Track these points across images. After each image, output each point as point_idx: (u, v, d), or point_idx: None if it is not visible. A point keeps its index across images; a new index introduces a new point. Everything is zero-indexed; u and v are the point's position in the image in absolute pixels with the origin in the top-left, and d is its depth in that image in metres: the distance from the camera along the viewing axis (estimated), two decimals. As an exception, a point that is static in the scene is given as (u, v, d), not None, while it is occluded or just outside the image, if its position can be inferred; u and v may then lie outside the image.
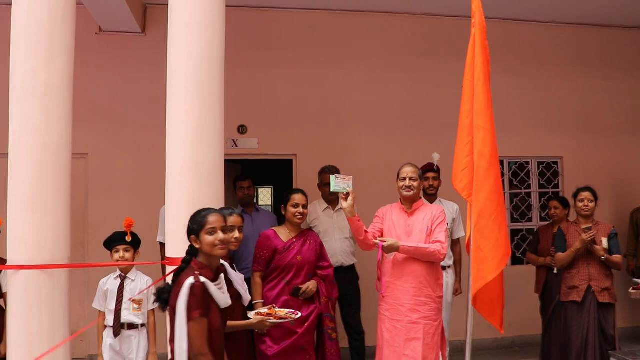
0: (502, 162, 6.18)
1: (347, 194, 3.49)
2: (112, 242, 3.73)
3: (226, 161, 6.16)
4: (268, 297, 3.74)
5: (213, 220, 2.55)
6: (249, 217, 4.98)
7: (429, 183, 4.66)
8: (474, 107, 3.22)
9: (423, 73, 6.18)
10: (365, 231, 3.60)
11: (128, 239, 3.69)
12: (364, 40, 6.14)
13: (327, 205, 4.84)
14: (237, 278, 3.07)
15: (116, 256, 3.70)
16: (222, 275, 2.68)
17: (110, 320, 3.67)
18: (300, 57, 6.01)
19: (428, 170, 4.65)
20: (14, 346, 3.17)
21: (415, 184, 3.70)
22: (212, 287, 2.47)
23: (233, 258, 3.26)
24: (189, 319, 2.34)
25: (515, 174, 6.51)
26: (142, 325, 3.71)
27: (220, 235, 2.52)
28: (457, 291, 4.84)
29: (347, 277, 4.78)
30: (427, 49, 6.23)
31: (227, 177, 6.12)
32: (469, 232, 3.19)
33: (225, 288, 2.66)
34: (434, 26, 6.26)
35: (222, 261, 2.99)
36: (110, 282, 3.73)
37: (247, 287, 3.18)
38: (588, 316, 4.37)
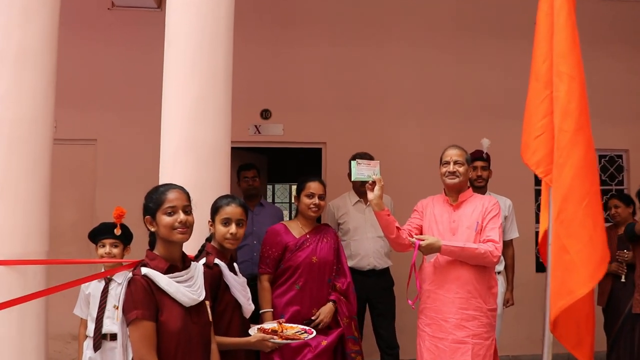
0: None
1: (374, 183, 2.87)
2: (98, 235, 3.18)
3: (248, 150, 5.95)
4: (276, 306, 3.16)
5: (173, 197, 2.07)
6: (249, 213, 4.43)
7: (477, 173, 3.98)
8: (554, 48, 2.29)
9: (471, 52, 5.56)
10: (398, 228, 2.97)
11: (117, 231, 3.12)
12: (403, 14, 5.55)
13: (358, 199, 4.21)
14: (236, 282, 2.49)
15: (101, 251, 3.15)
16: (194, 267, 2.18)
17: (91, 329, 3.11)
18: (330, 34, 5.47)
19: (476, 158, 3.98)
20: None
21: (462, 169, 3.04)
22: (162, 279, 1.99)
23: (234, 258, 2.66)
24: (127, 321, 1.94)
25: None
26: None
27: (181, 215, 2.06)
28: (508, 302, 4.19)
29: (380, 282, 4.16)
30: (475, 25, 5.61)
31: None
32: (544, 225, 2.24)
33: (199, 282, 2.15)
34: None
35: (217, 261, 2.42)
36: (93, 285, 3.17)
37: (249, 293, 2.59)
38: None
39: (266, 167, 6.64)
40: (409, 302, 2.98)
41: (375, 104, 5.44)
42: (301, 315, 3.06)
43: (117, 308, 2.96)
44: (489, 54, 5.52)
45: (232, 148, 5.52)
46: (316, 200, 3.21)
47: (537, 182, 5.60)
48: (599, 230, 2.10)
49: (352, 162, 2.91)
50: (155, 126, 5.03)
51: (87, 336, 3.14)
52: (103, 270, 3.20)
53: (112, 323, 3.07)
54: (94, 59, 5.29)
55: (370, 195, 2.87)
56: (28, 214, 2.77)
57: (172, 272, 2.04)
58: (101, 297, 3.12)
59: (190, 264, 2.18)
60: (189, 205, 2.13)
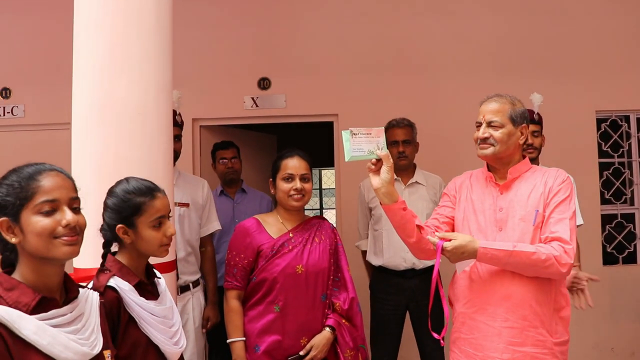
0: (586, 118, 4.58)
1: (379, 162, 1.96)
2: None
3: (248, 128, 5.16)
4: (249, 334, 2.33)
5: (51, 185, 1.32)
6: (229, 202, 3.81)
7: (527, 140, 2.97)
8: None
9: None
10: (420, 227, 2.05)
11: None
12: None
13: (395, 177, 3.18)
14: (146, 312, 1.64)
15: None
16: (83, 299, 1.41)
17: None
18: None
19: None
20: None
21: (498, 133, 2.08)
22: (27, 324, 1.22)
23: (151, 271, 1.79)
24: None
25: (606, 135, 4.65)
26: None
27: (67, 215, 1.31)
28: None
29: (421, 284, 3.26)
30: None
31: (250, 149, 4.81)
32: None
33: (93, 323, 1.39)
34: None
35: (112, 282, 1.61)
36: None
37: (177, 325, 1.77)
38: None
39: (275, 149, 5.76)
40: (435, 335, 2.04)
41: (397, 63, 4.55)
42: (283, 348, 2.23)
43: None
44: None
45: (226, 126, 4.81)
46: (297, 183, 2.36)
47: (602, 153, 4.62)
48: None
49: (343, 133, 1.97)
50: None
51: None
52: None
53: None
54: (59, 36, 4.59)
55: (376, 181, 1.96)
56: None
57: (46, 311, 1.26)
58: None
59: (78, 293, 1.38)
60: (78, 199, 1.35)
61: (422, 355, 3.39)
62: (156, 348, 1.67)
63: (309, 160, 2.46)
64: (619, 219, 4.65)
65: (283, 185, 2.38)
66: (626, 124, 4.65)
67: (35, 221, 1.26)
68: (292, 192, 2.36)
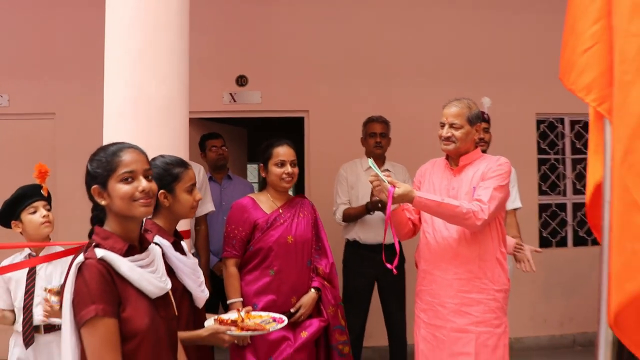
0: (528, 120, 5.13)
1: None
2: (25, 198, 2.55)
3: (223, 122, 5.44)
4: (246, 295, 2.71)
5: (130, 159, 1.60)
6: (217, 187, 4.08)
7: (479, 136, 3.50)
8: None
9: (470, 9, 5.00)
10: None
11: (44, 192, 2.58)
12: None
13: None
14: (183, 264, 2.02)
15: (36, 218, 2.55)
16: (153, 249, 1.71)
17: (19, 322, 2.56)
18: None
19: (477, 119, 3.48)
20: None
21: (459, 133, 2.55)
22: (123, 264, 1.54)
23: (178, 233, 2.18)
24: (80, 320, 1.46)
25: (544, 134, 5.26)
26: None
27: (142, 183, 1.60)
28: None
29: (388, 259, 3.71)
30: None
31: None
32: (597, 176, 1.51)
33: (161, 267, 1.72)
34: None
35: (157, 239, 1.98)
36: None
37: (201, 277, 2.14)
38: None
39: (246, 142, 6.13)
40: (388, 265, 2.51)
41: (364, 66, 4.92)
42: (277, 306, 2.61)
43: (52, 292, 2.45)
44: (489, 11, 4.99)
45: (205, 119, 5.10)
46: (288, 168, 2.75)
47: (540, 150, 5.20)
48: None
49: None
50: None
51: (14, 331, 2.60)
52: (27, 251, 2.62)
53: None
54: (49, 23, 4.78)
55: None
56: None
57: (132, 255, 1.59)
58: (27, 280, 2.57)
59: (149, 244, 1.73)
60: (150, 170, 1.67)
61: (385, 316, 3.88)
62: (189, 295, 2.07)
63: (295, 148, 2.86)
64: (554, 208, 5.26)
65: (276, 170, 2.75)
66: (561, 126, 5.26)
67: (119, 188, 1.57)
68: (284, 176, 2.74)
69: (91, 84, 4.59)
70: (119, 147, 1.63)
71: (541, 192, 5.21)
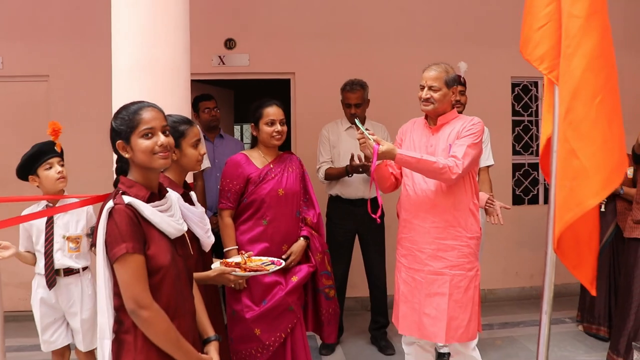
0: (503, 83, 5.34)
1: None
2: (41, 155, 2.78)
3: (211, 83, 5.58)
4: (241, 243, 2.94)
5: (149, 117, 1.78)
6: (210, 145, 4.26)
7: (455, 98, 3.75)
8: None
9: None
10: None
11: (58, 148, 2.80)
12: None
13: (350, 125, 4.08)
14: (191, 213, 2.24)
15: (52, 173, 2.79)
16: (170, 196, 1.93)
17: (40, 266, 2.83)
18: (298, -46, 5.00)
19: (452, 82, 3.72)
20: None
21: (437, 95, 2.80)
22: (146, 208, 1.75)
23: (188, 185, 2.41)
24: (113, 257, 1.68)
25: (518, 97, 5.51)
26: (85, 268, 2.92)
27: (161, 138, 1.79)
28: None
29: (368, 213, 4.00)
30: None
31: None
32: (548, 130, 1.88)
33: (178, 212, 1.93)
34: None
35: (170, 191, 2.19)
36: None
37: (208, 225, 2.36)
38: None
39: (232, 103, 6.30)
40: (372, 215, 2.82)
41: (348, 30, 5.09)
42: (270, 253, 2.84)
43: (70, 239, 2.71)
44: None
45: (194, 81, 5.18)
46: (278, 126, 2.95)
47: (515, 112, 5.45)
48: (616, 131, 1.74)
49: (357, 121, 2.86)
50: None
51: (36, 274, 2.88)
52: (44, 202, 2.85)
53: (64, 256, 2.82)
54: None
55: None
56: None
57: (153, 201, 1.80)
58: (46, 228, 2.82)
59: (167, 192, 1.94)
60: (167, 126, 1.86)
61: (367, 267, 4.17)
62: (197, 240, 2.30)
63: (283, 107, 3.05)
64: (526, 168, 5.56)
65: (266, 129, 2.95)
66: (535, 89, 5.51)
67: (140, 142, 1.76)
68: (274, 134, 2.95)
69: (85, 46, 4.78)
70: (140, 106, 1.82)
71: (515, 152, 5.48)
